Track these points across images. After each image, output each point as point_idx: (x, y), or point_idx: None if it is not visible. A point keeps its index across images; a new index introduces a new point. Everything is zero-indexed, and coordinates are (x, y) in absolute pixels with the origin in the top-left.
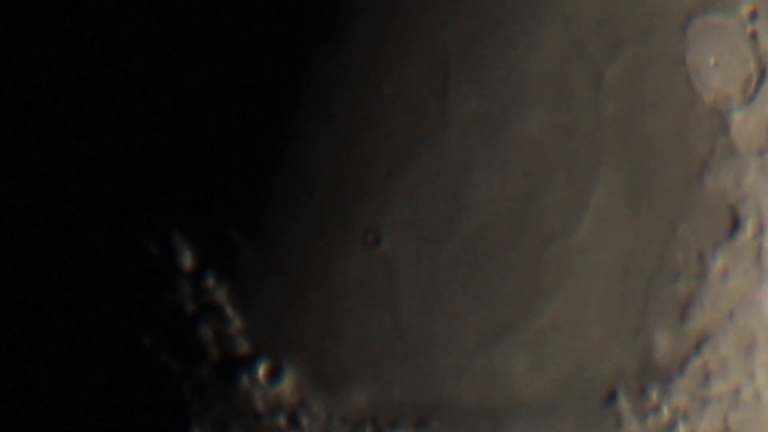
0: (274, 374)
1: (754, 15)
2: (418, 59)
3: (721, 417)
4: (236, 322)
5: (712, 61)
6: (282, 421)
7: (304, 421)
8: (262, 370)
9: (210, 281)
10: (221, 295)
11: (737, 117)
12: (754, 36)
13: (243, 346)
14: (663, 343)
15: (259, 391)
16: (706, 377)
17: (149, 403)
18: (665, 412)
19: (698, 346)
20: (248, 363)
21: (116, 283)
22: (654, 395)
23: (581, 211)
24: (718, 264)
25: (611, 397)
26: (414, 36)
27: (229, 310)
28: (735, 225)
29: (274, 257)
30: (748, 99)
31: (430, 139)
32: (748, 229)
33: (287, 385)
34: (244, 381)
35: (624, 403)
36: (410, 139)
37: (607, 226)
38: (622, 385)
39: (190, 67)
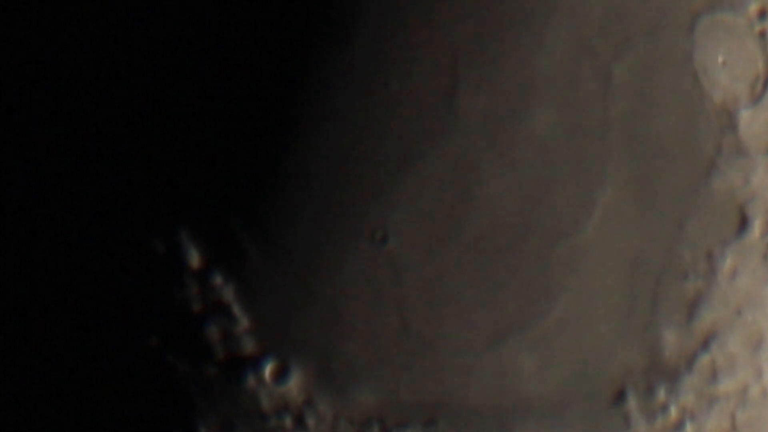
0: (281, 374)
1: (762, 14)
2: (426, 58)
3: (729, 415)
4: (243, 322)
5: (720, 59)
6: (288, 421)
7: (311, 421)
8: (268, 370)
9: (217, 280)
10: (228, 294)
11: (745, 116)
12: (762, 35)
13: (249, 346)
14: (671, 341)
15: (265, 391)
16: (713, 375)
17: (156, 402)
18: (673, 411)
19: (706, 344)
20: (255, 362)
21: (123, 281)
22: (662, 394)
23: (589, 210)
24: (726, 263)
25: (619, 397)
26: (422, 34)
27: (236, 309)
28: (743, 224)
29: (281, 256)
30: (757, 98)
31: (438, 137)
32: (756, 228)
33: (293, 384)
34: (251, 380)
35: (632, 403)
36: (418, 137)
37: (615, 225)
38: (631, 384)
39: (197, 65)
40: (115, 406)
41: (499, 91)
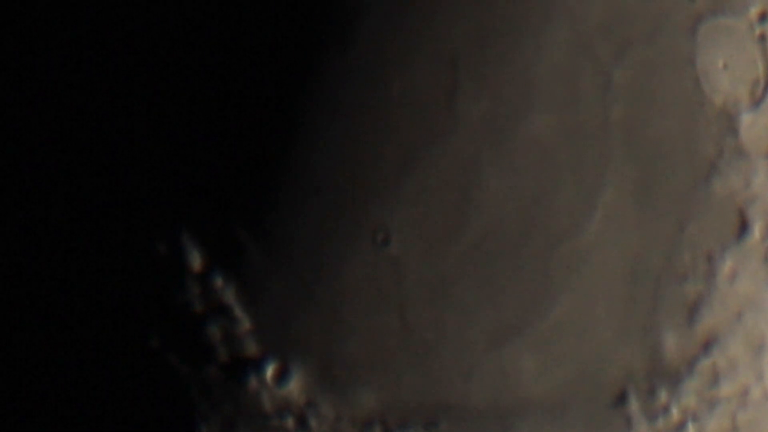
0: (282, 375)
1: (763, 17)
2: (426, 60)
3: (730, 417)
4: (244, 323)
5: (720, 63)
6: (290, 421)
7: (313, 422)
8: (270, 371)
9: (218, 282)
10: (230, 296)
11: (746, 119)
12: (763, 38)
13: (251, 347)
14: (671, 343)
15: (267, 392)
16: (714, 378)
17: (157, 403)
18: (674, 412)
19: (706, 347)
20: (256, 364)
21: (125, 283)
22: (663, 396)
23: (589, 212)
24: (726, 265)
25: (621, 398)
26: (422, 36)
27: (238, 311)
28: (743, 227)
29: (282, 258)
30: (757, 101)
31: (439, 139)
32: (756, 231)
33: (295, 385)
34: (252, 382)
35: (633, 404)
36: (419, 139)
37: (615, 227)
38: (632, 386)
39: (199, 67)
40: (117, 408)
41: (499, 93)
